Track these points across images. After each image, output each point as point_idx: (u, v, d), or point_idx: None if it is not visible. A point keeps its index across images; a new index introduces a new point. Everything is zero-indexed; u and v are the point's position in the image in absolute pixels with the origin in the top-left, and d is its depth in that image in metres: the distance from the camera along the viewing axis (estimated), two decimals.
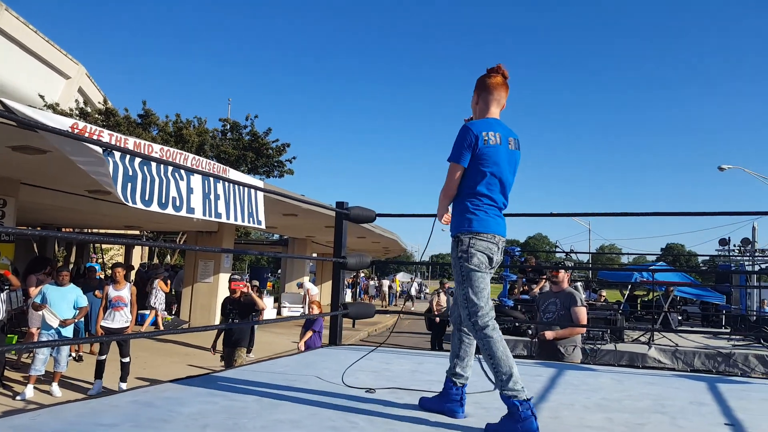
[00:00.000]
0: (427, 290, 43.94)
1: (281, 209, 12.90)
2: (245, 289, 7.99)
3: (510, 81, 2.63)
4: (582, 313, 5.26)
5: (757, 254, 18.49)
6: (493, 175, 2.48)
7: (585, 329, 5.70)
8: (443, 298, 13.06)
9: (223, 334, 7.91)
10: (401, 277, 47.63)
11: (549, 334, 5.15)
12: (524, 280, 11.94)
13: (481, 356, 3.49)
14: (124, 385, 8.10)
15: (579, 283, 14.00)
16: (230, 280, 8.41)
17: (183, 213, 7.21)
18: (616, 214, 4.91)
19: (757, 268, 16.30)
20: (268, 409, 2.50)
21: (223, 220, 7.71)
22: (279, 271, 30.97)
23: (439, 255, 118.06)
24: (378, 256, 32.47)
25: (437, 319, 11.93)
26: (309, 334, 8.60)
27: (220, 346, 8.13)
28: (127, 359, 8.31)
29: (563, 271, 5.46)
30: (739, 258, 18.48)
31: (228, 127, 18.31)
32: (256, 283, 12.39)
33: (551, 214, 4.49)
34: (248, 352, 7.61)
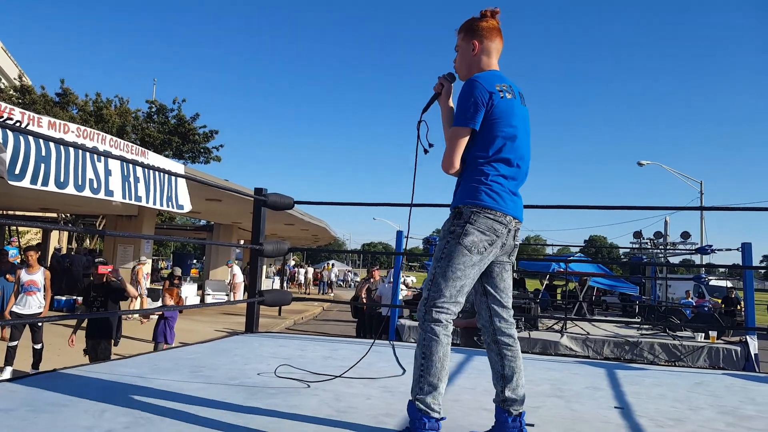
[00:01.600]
0: (357, 278, 44.08)
1: (204, 194, 12.59)
2: (110, 275, 7.02)
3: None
4: None
5: (668, 248, 19.70)
6: (512, 140, 2.04)
7: None
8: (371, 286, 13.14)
9: (86, 324, 6.97)
10: (338, 266, 47.57)
11: (460, 322, 5.33)
12: None
13: (394, 342, 3.51)
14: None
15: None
16: (96, 264, 7.50)
17: (101, 195, 6.90)
18: (540, 207, 4.85)
19: (677, 260, 17.36)
20: (172, 396, 2.43)
21: (143, 203, 7.44)
22: (204, 257, 30.22)
23: (371, 243, 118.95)
24: (308, 244, 32.28)
25: (365, 307, 11.97)
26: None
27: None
28: (39, 345, 7.92)
29: None
30: (651, 250, 19.60)
31: (154, 109, 17.63)
32: (179, 270, 12.05)
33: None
34: (115, 344, 7.06)
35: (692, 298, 21.17)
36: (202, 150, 17.76)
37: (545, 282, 15.03)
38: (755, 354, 8.00)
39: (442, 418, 1.91)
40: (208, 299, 18.93)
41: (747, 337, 8.17)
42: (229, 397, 2.47)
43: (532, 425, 2.29)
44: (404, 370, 3.13)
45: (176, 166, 10.19)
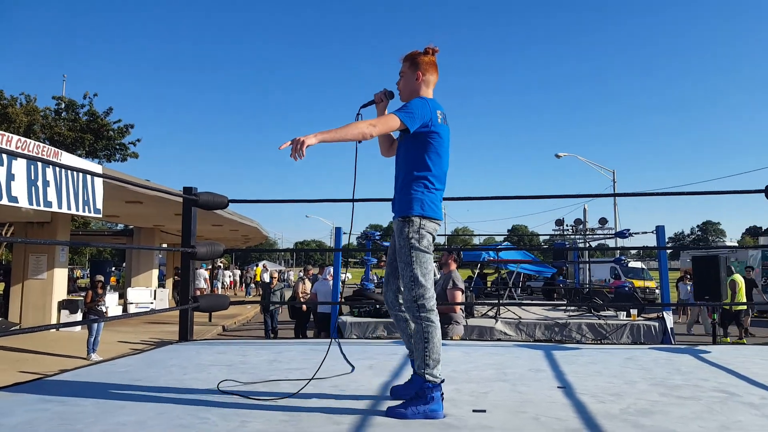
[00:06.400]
0: (291, 278, 43.43)
1: (124, 196, 12.00)
2: None
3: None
4: (455, 295, 5.88)
5: (587, 233, 20.71)
6: (443, 160, 2.50)
7: (458, 308, 6.20)
8: (308, 284, 12.96)
9: None
10: (270, 266, 46.55)
11: None
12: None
13: (339, 340, 3.50)
14: None
15: (434, 264, 14.72)
16: None
17: (4, 201, 6.44)
18: (467, 198, 5.25)
19: (595, 244, 18.25)
20: (110, 412, 2.30)
21: (55, 209, 6.99)
22: (124, 264, 28.88)
23: (304, 242, 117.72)
24: (238, 245, 31.52)
25: (303, 307, 11.84)
26: None
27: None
28: None
29: (446, 254, 6.04)
30: (572, 236, 20.54)
31: (63, 106, 16.60)
32: (101, 278, 11.43)
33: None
34: None
35: (610, 279, 22.40)
36: (117, 146, 16.89)
37: (476, 271, 15.41)
38: (671, 328, 8.54)
39: (442, 381, 2.38)
40: (131, 308, 18.11)
41: (663, 312, 8.71)
42: (171, 409, 2.37)
43: (484, 411, 2.34)
44: (353, 367, 3.11)
45: (92, 167, 9.65)
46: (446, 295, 6.18)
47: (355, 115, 2.51)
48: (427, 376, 2.34)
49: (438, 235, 2.58)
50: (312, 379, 2.88)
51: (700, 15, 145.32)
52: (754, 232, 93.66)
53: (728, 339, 14.31)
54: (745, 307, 11.96)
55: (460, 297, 6.23)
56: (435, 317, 2.39)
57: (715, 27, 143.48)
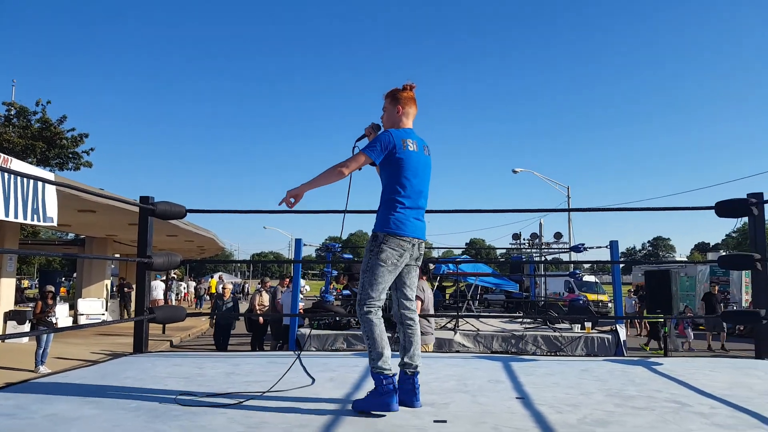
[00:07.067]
0: (247, 290, 42.69)
1: (77, 205, 11.62)
2: None
3: None
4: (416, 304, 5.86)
5: (543, 247, 21.13)
6: (412, 182, 2.76)
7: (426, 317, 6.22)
8: (265, 296, 12.73)
9: None
10: (227, 277, 45.69)
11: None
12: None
13: (300, 353, 3.49)
14: None
15: (426, 284, 14.71)
16: None
17: None
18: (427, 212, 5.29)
19: (550, 258, 18.61)
20: (63, 426, 2.22)
21: (2, 217, 6.72)
22: (74, 274, 27.90)
23: (261, 253, 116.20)
24: (193, 256, 30.87)
25: (260, 319, 11.64)
26: None
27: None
28: None
29: None
30: (528, 250, 20.92)
31: (13, 112, 16.02)
32: (51, 288, 11.01)
33: (360, 211, 4.57)
34: None
35: (564, 293, 22.89)
36: (70, 155, 16.39)
37: (435, 284, 15.48)
38: (624, 340, 8.77)
39: (394, 374, 2.58)
40: (82, 320, 17.49)
41: (616, 325, 8.94)
42: (128, 422, 2.30)
43: (445, 421, 2.36)
44: (313, 380, 3.08)
45: (45, 175, 9.33)
46: None
47: (352, 148, 2.88)
48: (374, 369, 2.59)
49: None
50: (271, 390, 2.85)
51: (654, 29, 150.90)
52: (702, 247, 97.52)
53: (648, 348, 14.91)
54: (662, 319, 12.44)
55: (419, 306, 6.22)
56: (373, 317, 2.65)
57: (667, 43, 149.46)
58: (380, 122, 3.00)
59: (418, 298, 6.22)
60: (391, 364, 2.59)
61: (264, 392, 2.84)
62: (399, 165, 2.73)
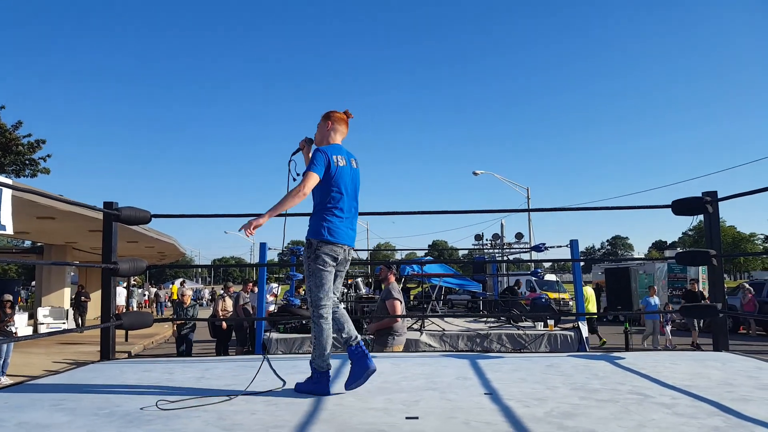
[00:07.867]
0: (206, 296, 41.98)
1: (35, 212, 11.30)
2: None
3: None
4: (393, 305, 6.04)
5: (505, 247, 21.48)
6: (341, 193, 3.06)
7: (399, 319, 6.25)
8: (228, 302, 12.60)
9: None
10: (188, 283, 44.81)
11: (371, 327, 5.84)
12: None
13: (267, 356, 3.52)
14: None
15: (359, 279, 14.78)
16: None
17: None
18: (388, 213, 5.41)
19: (511, 258, 18.91)
20: None
21: None
22: (33, 283, 27.01)
23: (222, 258, 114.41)
24: (153, 262, 30.26)
25: (223, 324, 11.51)
26: None
27: None
28: None
29: (385, 268, 6.31)
30: (491, 251, 21.24)
31: None
32: (10, 297, 10.66)
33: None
34: None
35: (525, 292, 23.27)
36: (27, 161, 15.89)
37: (399, 285, 15.56)
38: (586, 337, 9.01)
39: (328, 370, 2.98)
40: (42, 329, 16.97)
41: (579, 322, 9.19)
42: (102, 428, 2.29)
43: (416, 418, 2.42)
44: (284, 382, 3.11)
45: (2, 180, 9.04)
46: (385, 306, 6.24)
47: (288, 162, 3.23)
48: (314, 364, 2.98)
49: (358, 250, 2.97)
50: (244, 393, 2.86)
51: (620, 34, 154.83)
52: (659, 246, 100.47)
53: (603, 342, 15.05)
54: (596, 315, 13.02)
55: (399, 307, 6.22)
56: (324, 319, 2.99)
57: (629, 48, 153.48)
58: (312, 137, 3.34)
59: (397, 299, 6.26)
60: (328, 362, 2.97)
61: (236, 396, 2.86)
62: (330, 179, 3.02)
